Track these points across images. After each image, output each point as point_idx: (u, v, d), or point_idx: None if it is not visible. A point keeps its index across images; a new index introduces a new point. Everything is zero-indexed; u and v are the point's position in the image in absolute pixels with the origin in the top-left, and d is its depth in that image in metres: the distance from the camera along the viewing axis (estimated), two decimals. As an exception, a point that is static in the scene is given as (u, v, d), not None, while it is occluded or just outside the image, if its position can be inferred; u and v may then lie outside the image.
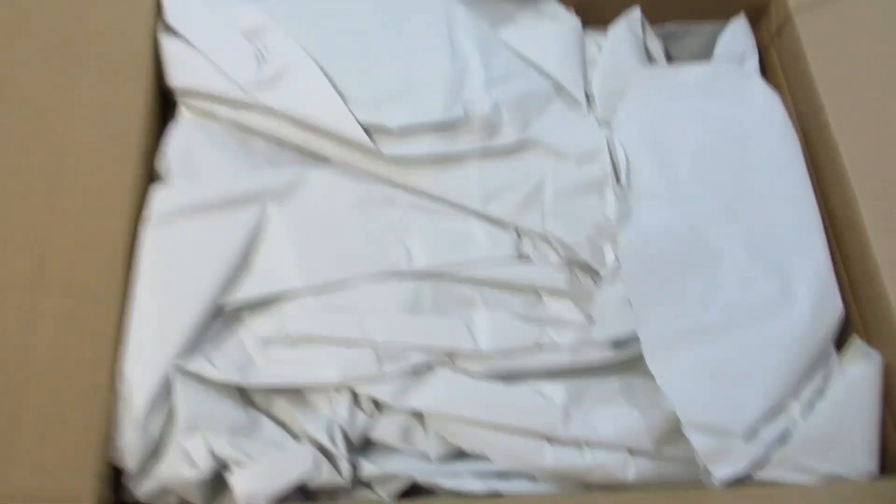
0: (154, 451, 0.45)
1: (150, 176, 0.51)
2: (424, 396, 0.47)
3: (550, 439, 0.47)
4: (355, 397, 0.48)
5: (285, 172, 0.52)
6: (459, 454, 0.49)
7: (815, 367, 0.49)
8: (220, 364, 0.46)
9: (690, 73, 0.58)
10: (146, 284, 0.47)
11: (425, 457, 0.48)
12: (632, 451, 0.47)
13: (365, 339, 0.47)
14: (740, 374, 0.47)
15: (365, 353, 0.47)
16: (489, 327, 0.49)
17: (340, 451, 0.46)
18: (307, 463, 0.45)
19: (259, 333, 0.48)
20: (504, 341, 0.49)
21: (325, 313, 0.48)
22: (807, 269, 0.51)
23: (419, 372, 0.48)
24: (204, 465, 0.44)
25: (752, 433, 0.45)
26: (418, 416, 0.48)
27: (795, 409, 0.47)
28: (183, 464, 0.44)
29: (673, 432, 0.46)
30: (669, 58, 0.63)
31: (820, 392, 0.47)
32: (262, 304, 0.49)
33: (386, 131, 0.52)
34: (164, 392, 0.45)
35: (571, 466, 0.47)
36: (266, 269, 0.49)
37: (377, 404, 0.48)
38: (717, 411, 0.45)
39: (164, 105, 0.55)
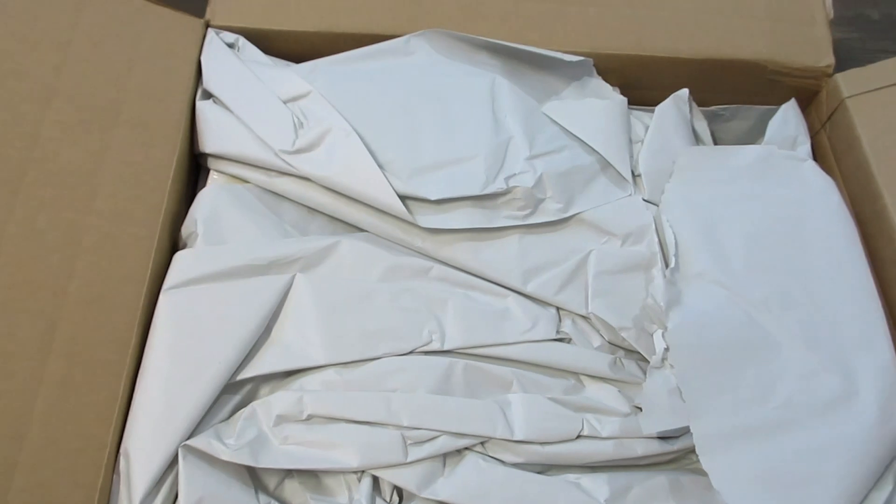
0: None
1: (176, 242, 0.50)
2: (452, 486, 0.43)
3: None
4: (375, 481, 0.44)
5: (313, 241, 0.49)
6: None
7: (884, 475, 0.45)
8: (232, 442, 0.42)
9: (742, 155, 0.56)
10: (158, 354, 0.44)
11: None
12: None
13: (391, 422, 0.44)
14: (802, 479, 0.43)
15: (389, 436, 0.43)
16: (525, 412, 0.45)
17: None
18: None
19: (276, 410, 0.44)
20: (541, 428, 0.45)
21: (349, 392, 0.45)
22: (871, 364, 0.47)
23: (447, 458, 0.44)
24: None
25: None
26: None
27: None
28: None
29: None
30: (715, 140, 0.61)
31: (891, 503, 0.43)
32: (279, 376, 0.46)
33: (424, 202, 0.49)
34: (169, 472, 0.42)
35: None
36: (288, 341, 0.46)
37: (399, 491, 0.44)
38: None
39: (196, 171, 0.54)
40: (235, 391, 0.45)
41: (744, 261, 0.50)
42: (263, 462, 0.42)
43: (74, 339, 0.42)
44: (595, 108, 0.56)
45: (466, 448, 0.45)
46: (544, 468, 0.45)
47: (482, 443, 0.45)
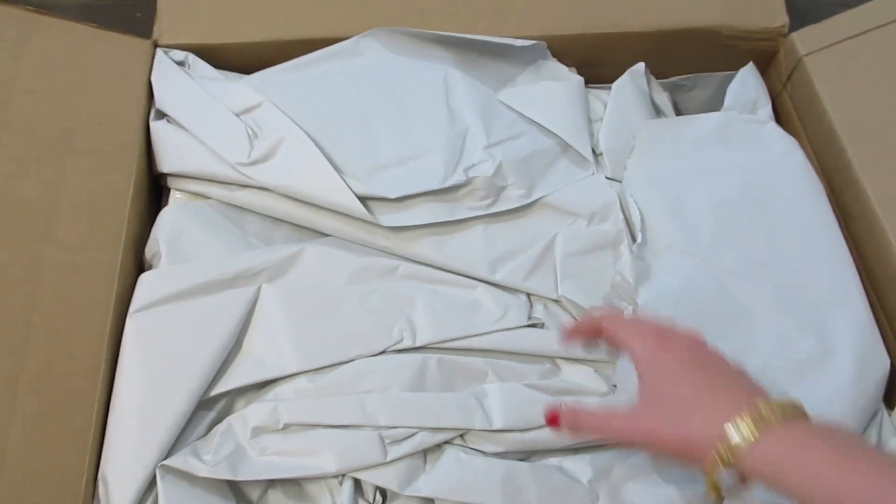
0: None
1: (140, 266, 0.50)
2: (434, 481, 0.43)
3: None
4: (357, 483, 0.44)
5: (277, 250, 0.49)
6: None
7: (864, 426, 0.45)
8: (209, 458, 0.42)
9: (702, 124, 0.56)
10: (129, 377, 0.44)
11: None
12: None
13: (367, 423, 0.44)
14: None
15: (367, 438, 0.43)
16: (502, 401, 0.45)
17: None
18: None
19: (251, 422, 0.44)
20: (520, 415, 0.45)
21: (323, 398, 0.45)
22: (846, 321, 0.47)
23: (427, 454, 0.44)
24: None
25: None
26: (429, 501, 0.44)
27: None
28: None
29: None
30: (678, 111, 0.61)
31: None
32: (253, 388, 0.46)
33: (384, 201, 0.49)
34: (149, 493, 0.42)
35: None
36: (259, 353, 0.46)
37: (382, 491, 0.44)
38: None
39: (158, 192, 0.54)
40: (210, 407, 0.45)
41: (711, 229, 0.50)
42: (242, 475, 0.42)
43: (43, 372, 0.42)
44: (551, 90, 0.56)
45: (446, 442, 0.45)
46: (526, 455, 0.45)
47: (461, 435, 0.45)
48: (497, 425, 0.44)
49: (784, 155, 0.54)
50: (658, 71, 0.60)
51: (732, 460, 0.34)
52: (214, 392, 0.45)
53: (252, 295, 0.47)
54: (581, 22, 0.57)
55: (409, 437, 0.44)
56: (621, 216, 0.51)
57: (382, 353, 0.47)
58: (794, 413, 0.35)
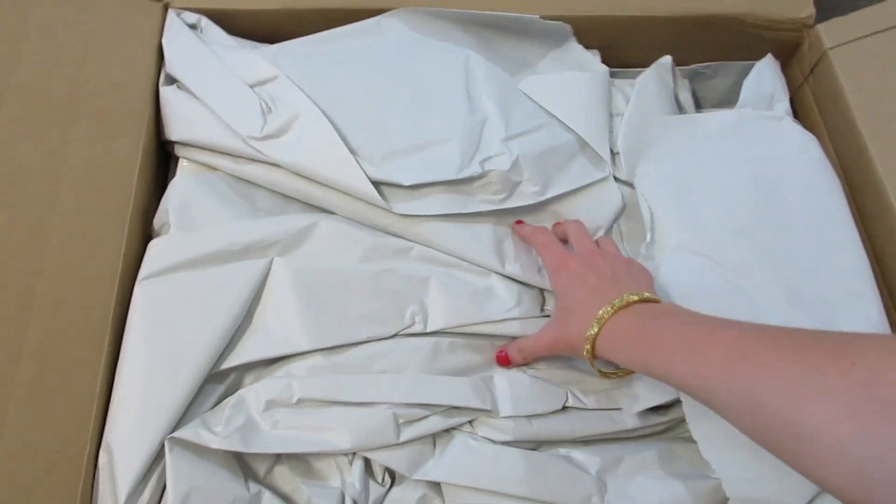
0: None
1: (147, 235, 0.48)
2: (443, 467, 0.43)
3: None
4: (367, 463, 0.43)
5: (290, 221, 0.48)
6: None
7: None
8: (220, 430, 0.41)
9: (715, 121, 0.54)
10: (136, 346, 0.43)
11: None
12: None
13: (383, 401, 0.43)
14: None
15: (382, 417, 0.43)
16: (510, 388, 0.45)
17: None
18: None
19: (265, 396, 0.43)
20: (526, 402, 0.44)
21: (337, 375, 0.44)
22: (858, 318, 0.47)
23: (437, 439, 0.44)
24: None
25: None
26: (435, 486, 0.44)
27: None
28: None
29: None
30: (697, 99, 0.60)
31: None
32: (262, 364, 0.45)
33: (397, 188, 0.48)
34: (155, 466, 0.41)
35: None
36: (270, 328, 0.45)
37: (391, 472, 0.44)
38: (766, 486, 0.41)
39: (164, 160, 0.52)
40: (219, 381, 0.44)
41: (721, 226, 0.49)
42: (254, 447, 0.41)
43: (46, 340, 0.41)
44: (574, 83, 0.54)
45: (455, 428, 0.44)
46: (535, 445, 0.45)
47: (470, 422, 0.44)
48: (505, 412, 0.44)
49: (800, 150, 0.53)
50: (679, 57, 0.59)
51: (591, 349, 0.41)
52: (225, 366, 0.44)
53: (264, 267, 0.46)
54: (605, 3, 0.56)
55: (422, 419, 0.43)
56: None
57: (395, 336, 0.46)
58: (641, 300, 0.41)
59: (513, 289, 0.48)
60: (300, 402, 0.43)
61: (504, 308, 0.47)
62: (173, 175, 0.50)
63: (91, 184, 0.45)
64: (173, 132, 0.50)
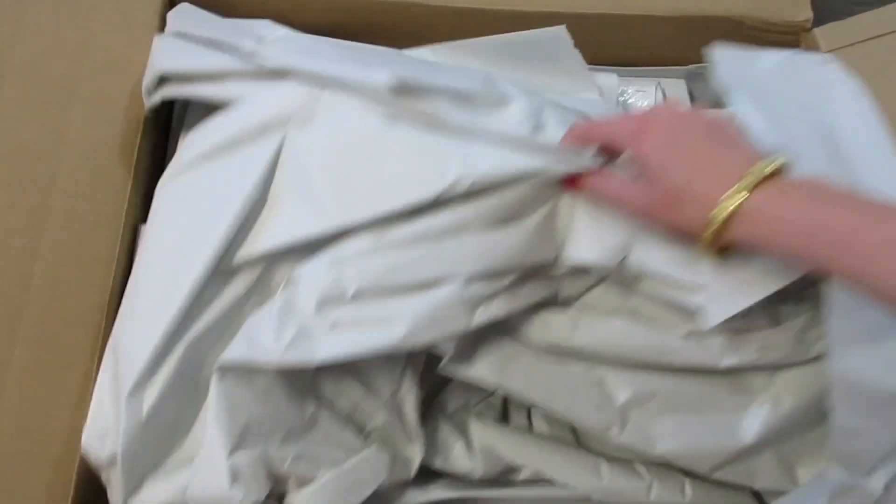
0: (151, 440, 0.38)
1: (144, 216, 0.48)
2: (481, 365, 0.40)
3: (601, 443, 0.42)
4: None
5: (305, 91, 0.42)
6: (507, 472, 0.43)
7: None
8: (273, 346, 0.36)
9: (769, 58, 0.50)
10: (143, 249, 0.42)
11: (469, 477, 0.43)
12: (686, 473, 0.43)
13: (450, 275, 0.37)
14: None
15: (450, 297, 0.37)
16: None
17: (411, 428, 0.40)
18: (379, 472, 0.38)
19: (314, 295, 0.37)
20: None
21: (391, 251, 0.38)
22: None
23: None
24: (257, 489, 0.36)
25: None
26: (465, 432, 0.43)
27: None
28: (230, 487, 0.35)
29: (734, 460, 0.41)
30: (694, 99, 0.60)
31: None
32: (305, 253, 0.40)
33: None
34: (162, 361, 0.38)
35: (627, 486, 0.42)
36: (291, 208, 0.40)
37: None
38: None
39: (165, 143, 0.52)
40: (243, 273, 0.40)
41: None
42: (319, 356, 0.36)
43: (41, 323, 0.40)
44: None
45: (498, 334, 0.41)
46: (575, 356, 0.42)
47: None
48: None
49: (852, 98, 0.49)
50: (676, 58, 0.59)
51: (714, 237, 0.35)
52: (245, 256, 0.40)
53: (276, 144, 0.42)
54: (604, 1, 0.56)
55: (493, 296, 0.39)
56: None
57: (437, 198, 0.38)
58: (773, 175, 0.34)
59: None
60: (357, 294, 0.38)
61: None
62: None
63: (91, 167, 0.45)
64: (159, 62, 0.46)
